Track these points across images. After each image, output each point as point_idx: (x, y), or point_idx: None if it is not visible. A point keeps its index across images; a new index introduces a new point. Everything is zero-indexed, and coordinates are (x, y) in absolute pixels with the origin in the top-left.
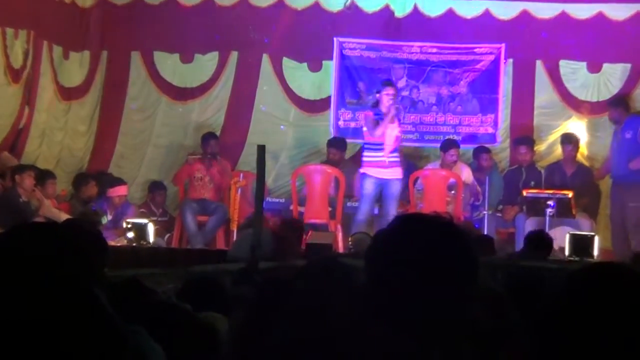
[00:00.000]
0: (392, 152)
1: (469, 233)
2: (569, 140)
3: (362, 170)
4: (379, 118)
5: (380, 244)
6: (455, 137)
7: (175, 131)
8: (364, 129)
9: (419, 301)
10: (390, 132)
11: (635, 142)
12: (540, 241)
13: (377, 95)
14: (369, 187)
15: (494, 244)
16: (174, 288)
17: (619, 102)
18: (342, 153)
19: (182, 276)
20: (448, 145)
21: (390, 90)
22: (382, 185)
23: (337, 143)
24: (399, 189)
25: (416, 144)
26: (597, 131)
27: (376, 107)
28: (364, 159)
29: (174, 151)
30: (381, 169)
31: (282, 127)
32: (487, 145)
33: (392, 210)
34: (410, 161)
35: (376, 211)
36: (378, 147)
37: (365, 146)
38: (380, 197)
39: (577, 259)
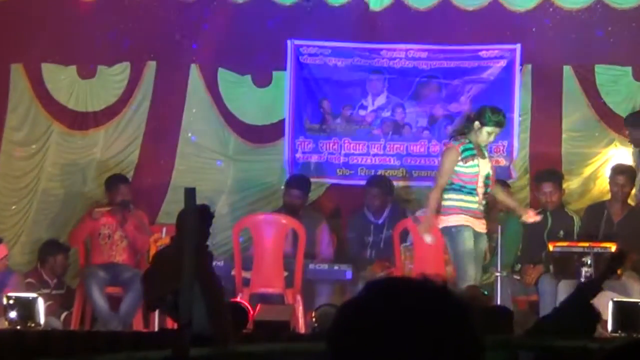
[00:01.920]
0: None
1: (472, 303)
2: (621, 172)
3: (453, 222)
4: (469, 155)
5: (346, 320)
6: None
7: (73, 172)
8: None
9: None
10: (483, 169)
11: None
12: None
13: (478, 125)
14: (471, 240)
15: (512, 317)
16: None
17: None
18: (305, 197)
19: None
20: None
21: (497, 131)
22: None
23: (300, 182)
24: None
25: (402, 182)
26: None
27: (464, 140)
28: (451, 203)
29: (71, 200)
30: (475, 219)
31: (218, 162)
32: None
33: (476, 272)
34: (396, 205)
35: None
36: (473, 190)
37: (455, 187)
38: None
39: (623, 335)
